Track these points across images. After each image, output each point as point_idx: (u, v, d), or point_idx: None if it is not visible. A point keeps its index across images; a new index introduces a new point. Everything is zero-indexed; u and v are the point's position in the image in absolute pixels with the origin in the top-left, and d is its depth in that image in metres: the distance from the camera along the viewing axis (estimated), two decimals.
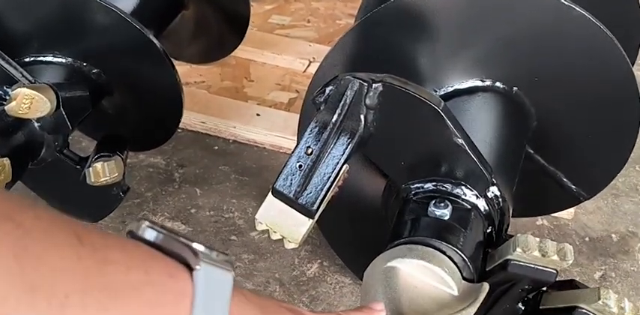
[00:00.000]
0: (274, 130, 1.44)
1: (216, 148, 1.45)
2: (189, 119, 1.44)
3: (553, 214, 1.32)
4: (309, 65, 1.63)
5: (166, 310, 0.42)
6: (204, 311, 0.42)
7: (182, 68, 1.57)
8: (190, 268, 0.44)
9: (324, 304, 1.15)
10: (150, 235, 0.45)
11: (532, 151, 1.04)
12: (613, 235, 1.34)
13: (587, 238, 1.34)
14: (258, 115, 1.47)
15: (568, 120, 1.00)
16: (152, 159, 1.40)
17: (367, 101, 0.78)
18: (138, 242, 0.45)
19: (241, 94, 1.56)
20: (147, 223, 0.46)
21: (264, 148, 1.45)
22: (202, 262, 0.43)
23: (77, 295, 0.38)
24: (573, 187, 1.07)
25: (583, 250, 1.30)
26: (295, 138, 1.41)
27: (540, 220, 1.36)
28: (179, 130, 1.27)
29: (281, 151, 1.45)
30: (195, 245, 0.44)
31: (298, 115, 1.42)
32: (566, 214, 1.35)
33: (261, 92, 1.57)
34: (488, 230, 0.85)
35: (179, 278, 0.43)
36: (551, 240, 0.77)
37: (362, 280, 1.18)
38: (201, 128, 1.47)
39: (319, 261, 1.23)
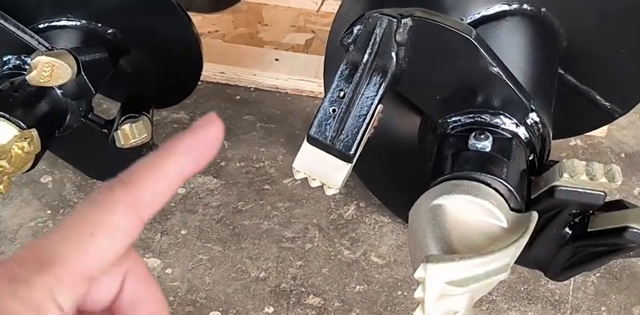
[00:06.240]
0: (295, 74, 1.42)
1: (238, 97, 1.43)
2: (208, 70, 1.42)
3: (586, 133, 1.31)
4: (322, 4, 1.59)
5: None
6: None
7: (194, 19, 1.53)
8: None
9: (366, 245, 1.15)
10: None
11: (562, 72, 1.02)
12: None
13: (622, 155, 1.33)
14: (276, 59, 1.44)
15: (598, 36, 0.97)
16: (175, 115, 1.39)
17: (397, 38, 0.76)
18: None
19: (257, 40, 1.53)
20: None
21: (287, 92, 1.44)
22: None
23: None
24: (607, 104, 1.05)
25: (620, 166, 1.28)
26: (316, 80, 1.40)
27: (573, 141, 1.34)
28: (198, 83, 1.26)
29: (304, 94, 1.43)
30: None
31: (317, 57, 1.41)
32: (600, 131, 1.33)
33: (276, 36, 1.54)
34: (531, 157, 0.84)
35: None
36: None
37: (400, 219, 1.19)
38: (221, 78, 1.45)
39: (355, 203, 1.22)
